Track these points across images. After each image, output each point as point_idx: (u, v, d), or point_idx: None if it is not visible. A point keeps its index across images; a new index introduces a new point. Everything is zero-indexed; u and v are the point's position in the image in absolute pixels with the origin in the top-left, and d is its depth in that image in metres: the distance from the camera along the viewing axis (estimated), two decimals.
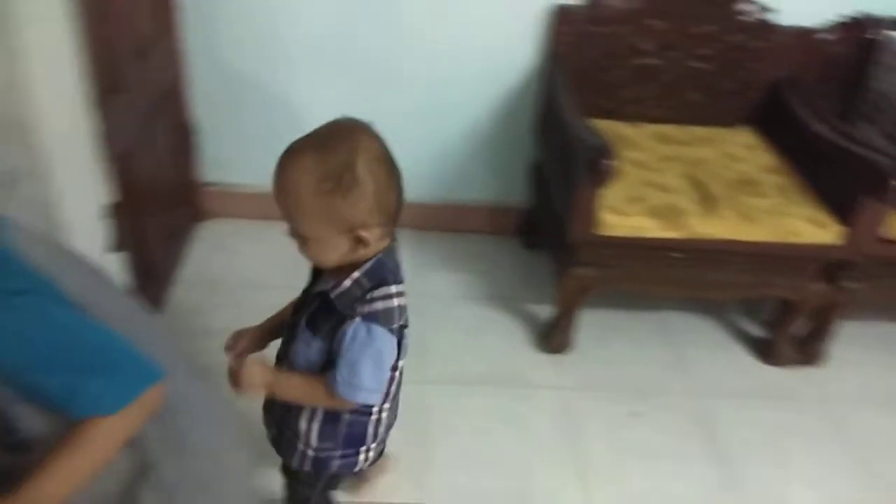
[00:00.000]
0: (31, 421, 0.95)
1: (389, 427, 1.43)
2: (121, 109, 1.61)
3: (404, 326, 1.26)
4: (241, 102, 2.51)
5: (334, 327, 1.19)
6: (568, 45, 2.35)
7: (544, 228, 2.47)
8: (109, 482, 1.00)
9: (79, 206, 1.32)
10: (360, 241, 1.14)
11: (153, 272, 2.00)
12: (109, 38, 1.52)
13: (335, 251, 1.15)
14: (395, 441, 1.88)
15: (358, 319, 1.16)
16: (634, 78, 2.42)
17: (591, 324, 2.32)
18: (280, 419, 1.35)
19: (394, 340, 1.21)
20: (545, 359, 2.25)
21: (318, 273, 1.28)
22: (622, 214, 1.98)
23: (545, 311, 2.36)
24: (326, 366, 1.22)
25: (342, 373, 1.18)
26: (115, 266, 1.53)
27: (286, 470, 1.48)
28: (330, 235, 1.13)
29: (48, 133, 1.18)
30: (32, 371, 0.87)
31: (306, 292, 1.31)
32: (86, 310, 0.93)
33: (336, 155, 1.10)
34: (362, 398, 1.21)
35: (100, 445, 0.91)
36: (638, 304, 2.47)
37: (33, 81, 1.13)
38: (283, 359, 1.32)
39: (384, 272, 1.20)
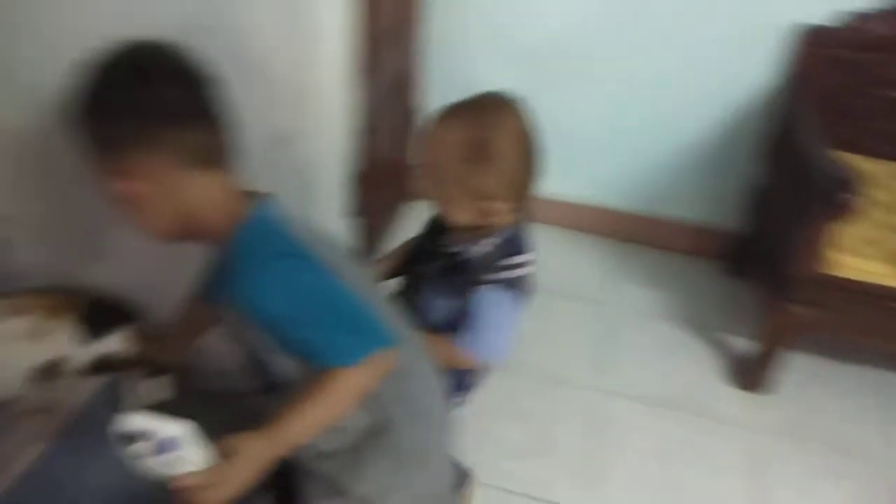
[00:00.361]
0: (280, 366, 1.07)
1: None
2: (372, 88, 1.73)
3: (529, 293, 1.31)
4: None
5: (464, 288, 1.24)
6: (813, 69, 2.19)
7: (756, 257, 2.34)
8: (345, 436, 1.08)
9: (330, 171, 1.43)
10: (487, 210, 1.19)
11: (375, 241, 2.14)
12: (374, 21, 1.64)
13: (463, 214, 1.21)
14: (570, 444, 1.91)
15: (492, 286, 1.22)
16: (883, 110, 2.21)
17: (794, 366, 2.16)
18: None
19: (520, 307, 1.27)
20: (737, 394, 2.13)
21: (439, 228, 1.32)
22: (855, 255, 1.82)
23: (742, 343, 2.23)
24: (452, 324, 1.27)
25: (478, 336, 1.24)
26: (347, 231, 1.64)
27: None
28: (459, 199, 1.19)
29: (319, 102, 1.29)
30: (292, 323, 1.00)
31: (427, 246, 1.36)
32: (339, 275, 1.05)
33: (478, 128, 1.15)
34: (494, 358, 1.29)
35: (340, 394, 1.00)
36: (850, 355, 2.27)
37: (318, 57, 1.24)
38: (408, 305, 1.34)
39: (519, 242, 1.26)
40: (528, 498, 1.77)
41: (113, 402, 1.60)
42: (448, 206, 1.22)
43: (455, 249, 1.26)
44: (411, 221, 2.70)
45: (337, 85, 1.35)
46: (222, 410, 1.45)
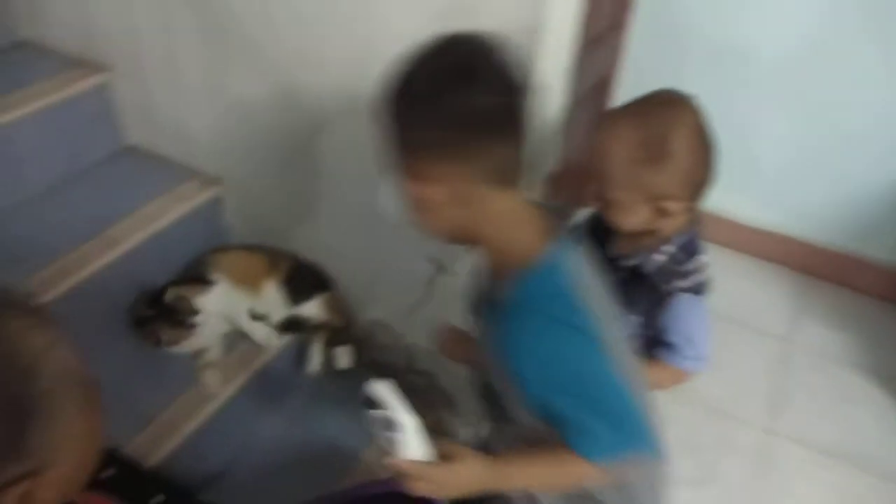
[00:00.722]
0: (516, 410, 1.04)
1: None
2: (578, 88, 1.71)
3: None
4: None
5: (645, 301, 1.19)
6: None
7: None
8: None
9: (532, 166, 1.43)
10: (661, 213, 1.12)
11: None
12: (594, 21, 1.62)
13: (635, 217, 1.14)
14: (735, 483, 1.82)
15: (682, 294, 1.17)
16: None
17: None
18: None
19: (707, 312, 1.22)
20: None
21: (600, 238, 1.25)
22: None
23: None
24: (650, 343, 1.22)
25: (684, 349, 1.19)
26: None
27: None
28: (632, 202, 1.12)
29: (545, 72, 1.30)
30: (551, 392, 0.93)
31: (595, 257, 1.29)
32: (615, 360, 0.97)
33: (653, 125, 1.09)
34: (702, 367, 1.22)
35: (575, 477, 0.99)
36: None
37: (541, 46, 1.26)
38: None
39: (696, 244, 1.19)
40: None
41: (298, 362, 1.71)
42: (619, 211, 1.16)
43: (632, 262, 1.20)
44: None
45: (552, 81, 1.36)
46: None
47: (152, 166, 1.77)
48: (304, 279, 1.68)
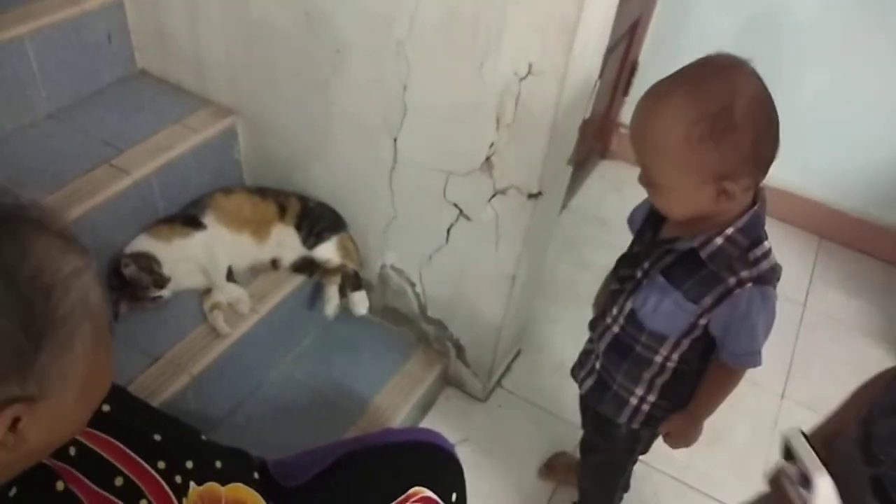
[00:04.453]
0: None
1: None
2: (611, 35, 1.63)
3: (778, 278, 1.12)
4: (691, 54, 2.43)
5: (703, 286, 1.06)
6: None
7: None
8: None
9: (572, 113, 1.36)
10: (724, 194, 0.99)
11: (568, 197, 2.07)
12: None
13: (693, 203, 1.02)
14: (742, 445, 1.81)
15: (750, 286, 1.03)
16: None
17: None
18: (609, 368, 1.25)
19: (775, 304, 1.08)
20: None
21: (655, 220, 1.15)
22: None
23: None
24: (675, 331, 1.12)
25: (743, 343, 1.08)
26: (566, 180, 1.58)
27: (592, 439, 1.44)
28: (691, 185, 0.99)
29: (578, 38, 1.22)
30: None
31: (645, 241, 1.17)
32: None
33: (711, 96, 0.95)
34: (755, 363, 1.12)
35: None
36: None
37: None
38: (609, 315, 1.22)
39: (759, 228, 1.06)
40: (700, 494, 1.72)
41: (310, 304, 1.67)
42: (674, 198, 1.04)
43: (686, 245, 1.07)
44: (604, 181, 2.62)
45: (596, 25, 1.28)
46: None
47: (164, 93, 1.69)
48: (316, 221, 1.62)
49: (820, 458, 0.81)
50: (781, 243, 2.36)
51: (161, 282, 1.46)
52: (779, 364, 2.05)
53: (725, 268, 1.04)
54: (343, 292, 1.64)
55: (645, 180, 1.04)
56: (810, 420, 1.85)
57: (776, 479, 0.88)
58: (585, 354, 1.33)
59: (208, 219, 1.55)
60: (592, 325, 1.30)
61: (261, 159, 1.73)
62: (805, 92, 2.28)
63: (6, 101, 1.49)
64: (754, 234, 1.05)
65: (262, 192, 1.64)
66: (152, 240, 1.50)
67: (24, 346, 0.59)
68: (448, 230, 1.55)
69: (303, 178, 1.69)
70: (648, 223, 1.17)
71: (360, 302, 1.64)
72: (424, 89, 1.38)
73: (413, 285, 1.71)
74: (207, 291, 1.52)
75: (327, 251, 1.61)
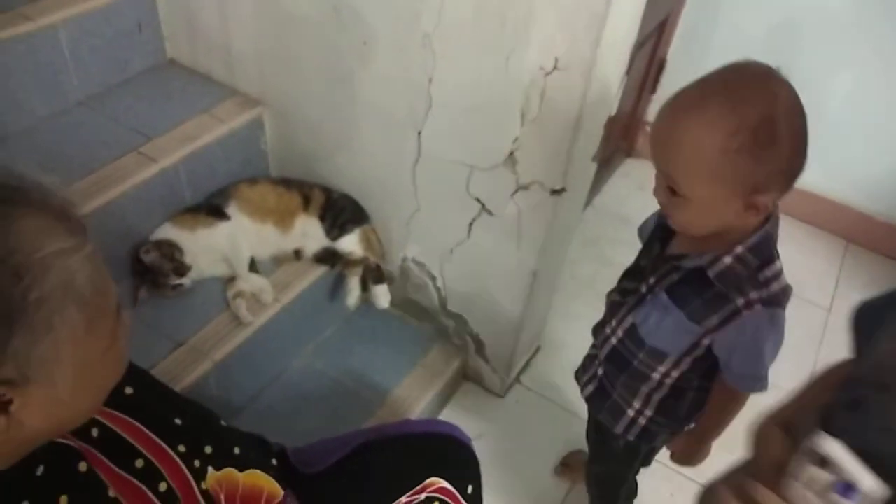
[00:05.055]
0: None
1: None
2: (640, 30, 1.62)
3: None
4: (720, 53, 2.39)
5: (708, 306, 1.02)
6: None
7: None
8: None
9: (598, 109, 1.35)
10: (752, 208, 0.95)
11: (592, 195, 2.06)
12: None
13: (716, 217, 0.97)
14: None
15: (759, 307, 0.99)
16: None
17: None
18: (609, 377, 1.23)
19: (783, 327, 1.04)
20: None
21: (663, 234, 1.11)
22: None
23: None
24: (676, 349, 1.08)
25: (748, 367, 1.05)
26: (589, 177, 1.57)
27: (593, 447, 1.43)
28: (720, 198, 0.94)
29: (607, 36, 1.21)
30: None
31: (652, 255, 1.13)
32: None
33: (752, 105, 0.90)
34: (761, 388, 1.07)
35: None
36: None
37: None
38: (608, 326, 1.19)
39: (770, 247, 1.01)
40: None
41: (332, 294, 1.68)
42: (696, 212, 0.98)
43: (696, 263, 1.02)
44: (628, 179, 2.60)
45: (625, 20, 1.27)
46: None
47: (193, 83, 1.71)
48: (340, 212, 1.63)
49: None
50: (807, 246, 2.40)
51: (182, 270, 1.48)
52: (803, 369, 2.02)
53: (734, 288, 1.00)
54: (365, 285, 1.65)
55: (665, 193, 0.98)
56: None
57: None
58: (589, 359, 1.31)
59: (232, 209, 1.57)
60: (595, 330, 1.28)
61: (286, 150, 1.74)
62: (834, 93, 2.25)
63: (39, 87, 1.52)
64: (765, 254, 1.01)
65: (286, 182, 1.65)
66: (176, 228, 1.52)
67: None
68: (470, 224, 1.55)
69: (327, 169, 1.70)
70: (656, 236, 1.13)
71: (381, 295, 1.65)
72: (450, 82, 1.38)
73: (434, 279, 1.72)
74: (231, 280, 1.53)
75: (350, 243, 1.62)
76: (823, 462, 0.71)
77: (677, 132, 0.94)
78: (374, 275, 1.65)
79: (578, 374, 1.35)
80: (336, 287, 1.67)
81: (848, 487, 0.71)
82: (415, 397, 1.66)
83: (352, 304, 1.63)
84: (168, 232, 1.51)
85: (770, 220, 1.01)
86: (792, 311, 2.21)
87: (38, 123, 1.53)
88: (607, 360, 1.21)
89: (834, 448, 0.71)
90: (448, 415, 1.76)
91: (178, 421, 1.01)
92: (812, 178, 2.37)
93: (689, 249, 1.05)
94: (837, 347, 2.16)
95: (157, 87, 1.68)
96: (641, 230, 1.21)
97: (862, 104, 2.25)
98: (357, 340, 1.73)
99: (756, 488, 0.72)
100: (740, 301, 0.99)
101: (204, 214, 1.55)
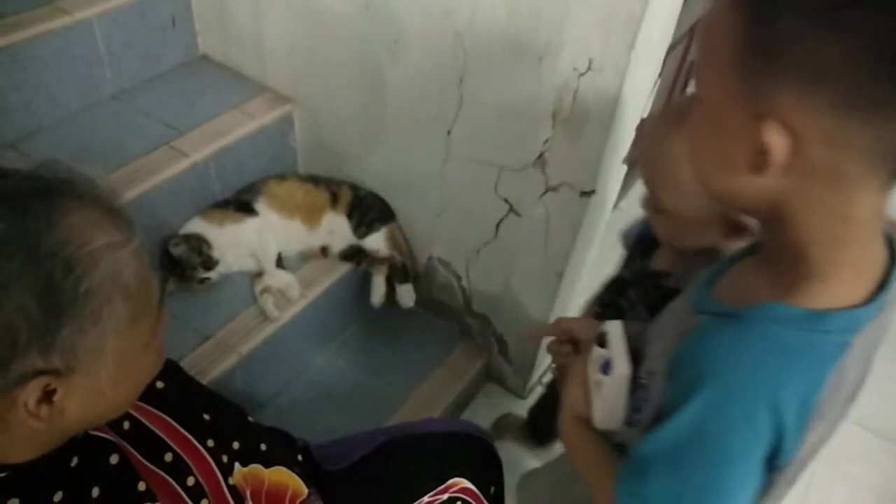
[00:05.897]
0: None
1: None
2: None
3: None
4: None
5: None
6: None
7: None
8: None
9: (632, 111, 1.34)
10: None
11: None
12: None
13: (706, 236, 0.93)
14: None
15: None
16: None
17: None
18: None
19: None
20: None
21: (646, 245, 1.08)
22: None
23: None
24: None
25: None
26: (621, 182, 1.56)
27: None
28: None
29: (642, 37, 1.20)
30: (665, 456, 0.68)
31: (633, 268, 1.12)
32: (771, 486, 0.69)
33: None
34: None
35: (597, 486, 0.82)
36: None
37: None
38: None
39: None
40: None
41: (358, 292, 1.69)
42: (688, 228, 0.93)
43: (678, 283, 0.96)
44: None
45: (661, 21, 1.25)
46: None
47: (224, 78, 1.72)
48: (367, 211, 1.63)
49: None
50: None
51: (209, 263, 1.49)
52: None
53: None
54: (390, 283, 1.65)
55: (654, 203, 0.95)
56: (862, 437, 1.83)
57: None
58: None
59: (261, 205, 1.58)
60: None
61: (315, 147, 1.75)
62: None
63: (74, 80, 1.53)
64: None
65: (314, 180, 1.66)
66: (205, 223, 1.53)
67: (42, 320, 0.58)
68: (497, 225, 1.54)
69: (355, 167, 1.70)
70: (638, 249, 1.11)
71: (407, 294, 1.65)
72: (481, 82, 1.37)
73: (459, 278, 1.71)
74: (259, 275, 1.54)
75: (377, 241, 1.62)
76: (603, 342, 0.84)
77: (659, 146, 0.91)
78: (399, 274, 1.65)
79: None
80: (362, 284, 1.67)
81: (608, 365, 0.82)
82: (437, 396, 1.66)
83: (377, 301, 1.63)
84: (197, 226, 1.52)
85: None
86: None
87: (72, 117, 1.55)
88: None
89: (610, 329, 0.84)
90: (469, 414, 1.76)
91: (206, 416, 1.02)
92: None
93: (673, 267, 1.02)
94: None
95: (188, 82, 1.69)
96: (626, 235, 1.18)
97: None
98: (381, 338, 1.73)
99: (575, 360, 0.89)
100: None
101: (233, 210, 1.56)
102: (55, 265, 0.59)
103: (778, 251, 0.65)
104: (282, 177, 1.65)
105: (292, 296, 1.53)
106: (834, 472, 1.75)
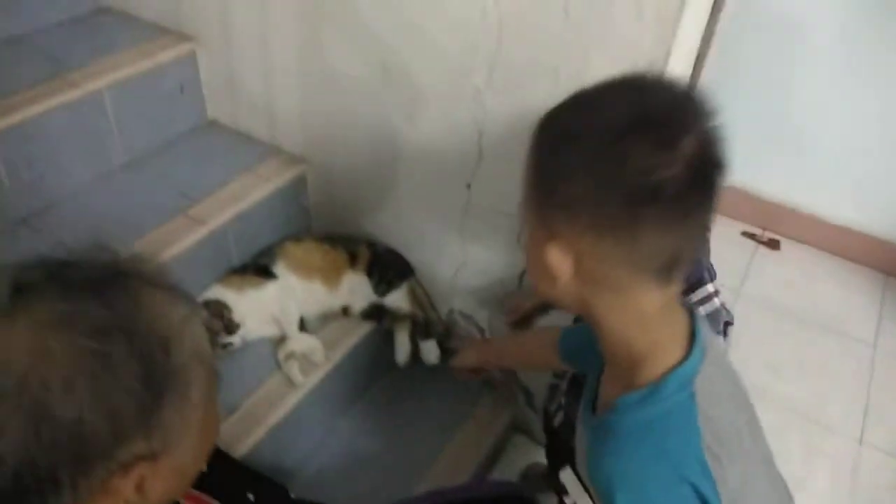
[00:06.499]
0: None
1: None
2: None
3: (729, 324, 1.06)
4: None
5: None
6: None
7: None
8: None
9: None
10: None
11: None
12: None
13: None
14: (821, 494, 1.74)
15: None
16: None
17: None
18: (572, 407, 1.17)
19: (724, 342, 1.03)
20: None
21: None
22: None
23: None
24: None
25: None
26: None
27: None
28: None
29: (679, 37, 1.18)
30: None
31: None
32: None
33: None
34: None
35: None
36: None
37: None
38: None
39: (701, 271, 1.01)
40: None
41: (382, 350, 1.66)
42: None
43: None
44: None
45: (679, 67, 1.26)
46: None
47: (235, 142, 1.71)
48: (387, 268, 1.61)
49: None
50: (845, 281, 2.37)
51: (232, 328, 1.46)
52: (855, 407, 1.98)
53: None
54: (413, 339, 1.62)
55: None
56: (891, 466, 1.81)
57: None
58: (551, 389, 1.31)
59: (279, 268, 1.55)
60: None
61: (329, 205, 1.73)
62: (870, 130, 2.24)
63: (84, 152, 1.52)
64: (695, 276, 1.01)
65: (331, 239, 1.64)
66: (225, 289, 1.50)
67: (147, 401, 0.58)
68: (520, 276, 1.53)
69: (370, 223, 1.69)
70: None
71: (430, 351, 1.62)
72: (502, 133, 1.37)
73: (482, 331, 1.69)
74: (282, 340, 1.51)
75: (398, 298, 1.60)
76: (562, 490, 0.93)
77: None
78: (422, 329, 1.63)
79: (548, 405, 1.32)
80: (384, 342, 1.65)
81: None
82: (468, 453, 1.62)
83: (402, 360, 1.60)
84: (217, 293, 1.49)
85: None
86: (834, 348, 2.21)
87: (84, 188, 1.53)
88: (568, 391, 1.21)
89: (564, 477, 0.91)
90: (501, 469, 1.72)
91: (251, 496, 0.99)
92: (847, 212, 2.40)
93: None
94: (887, 384, 2.13)
95: (199, 148, 1.68)
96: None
97: (887, 140, 2.24)
98: (406, 397, 1.70)
99: None
100: None
101: (252, 274, 1.53)
102: (153, 345, 0.59)
103: (611, 351, 0.79)
104: (298, 238, 1.63)
105: (317, 360, 1.50)
106: None
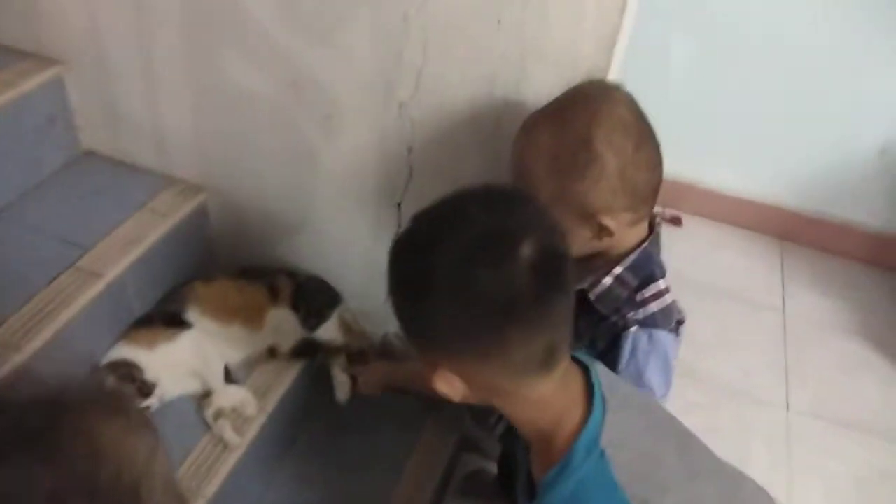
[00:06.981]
0: None
1: None
2: None
3: (681, 322, 1.07)
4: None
5: (594, 335, 1.02)
6: None
7: None
8: None
9: None
10: (603, 230, 0.96)
11: None
12: None
13: (575, 241, 0.95)
14: (761, 464, 1.79)
15: (635, 328, 0.99)
16: None
17: None
18: None
19: (677, 339, 1.04)
20: None
21: None
22: None
23: None
24: None
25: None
26: None
27: None
28: (568, 223, 0.92)
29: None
30: None
31: None
32: None
33: (572, 127, 0.92)
34: None
35: None
36: None
37: None
38: None
39: (651, 266, 1.01)
40: None
41: (316, 387, 1.52)
42: None
43: (578, 287, 0.98)
44: None
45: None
46: None
47: (119, 174, 1.50)
48: (313, 297, 1.47)
49: None
50: (744, 250, 2.45)
51: (146, 389, 1.28)
52: (775, 376, 2.05)
53: (613, 310, 1.01)
54: (351, 373, 1.50)
55: None
56: (820, 428, 1.89)
57: None
58: None
59: (192, 314, 1.38)
60: None
61: (236, 236, 1.57)
62: (762, 100, 2.31)
63: None
64: (646, 272, 1.01)
65: (245, 274, 1.48)
66: (131, 347, 1.31)
67: None
68: None
69: (287, 251, 1.54)
70: None
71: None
72: (433, 151, 1.27)
73: None
74: (205, 396, 1.34)
75: (330, 330, 1.47)
76: None
77: (515, 159, 1.00)
78: (358, 360, 1.51)
79: (488, 417, 1.28)
80: (319, 380, 1.51)
81: None
82: (420, 484, 1.52)
83: (342, 398, 1.47)
84: (122, 352, 1.30)
85: (650, 237, 1.02)
86: (747, 318, 2.28)
87: None
88: None
89: None
90: (456, 494, 1.64)
91: None
92: (738, 181, 2.48)
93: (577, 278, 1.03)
94: (801, 348, 2.21)
95: (78, 185, 1.46)
96: None
97: (778, 111, 2.32)
98: (350, 432, 1.57)
99: None
100: (620, 323, 1.00)
101: (161, 326, 1.35)
102: (121, 495, 0.54)
103: (524, 434, 0.84)
104: (208, 277, 1.45)
105: (249, 413, 1.34)
106: (809, 472, 1.80)
